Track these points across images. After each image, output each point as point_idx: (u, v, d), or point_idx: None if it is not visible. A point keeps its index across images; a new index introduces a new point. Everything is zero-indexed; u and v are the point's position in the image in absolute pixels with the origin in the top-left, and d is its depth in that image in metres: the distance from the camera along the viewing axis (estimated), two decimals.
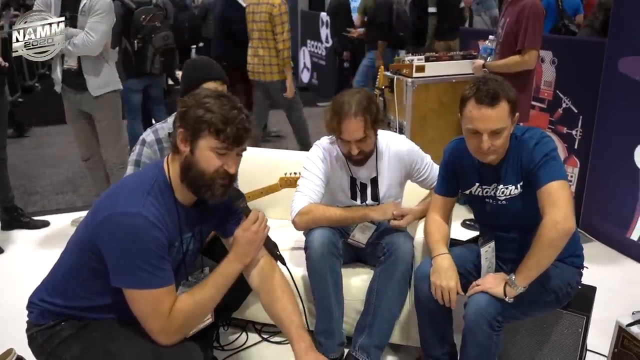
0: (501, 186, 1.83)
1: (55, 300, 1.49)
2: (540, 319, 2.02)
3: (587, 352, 2.10)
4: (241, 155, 1.47)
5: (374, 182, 2.19)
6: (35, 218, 3.60)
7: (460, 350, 1.83)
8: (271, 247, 1.63)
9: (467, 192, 1.95)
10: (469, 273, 1.93)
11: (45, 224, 3.57)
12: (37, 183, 4.45)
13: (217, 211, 1.61)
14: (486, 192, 1.88)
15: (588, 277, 1.98)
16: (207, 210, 1.57)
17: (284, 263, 1.69)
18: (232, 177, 1.46)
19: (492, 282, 1.74)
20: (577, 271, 1.90)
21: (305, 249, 2.07)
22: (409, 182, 2.29)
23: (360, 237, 2.18)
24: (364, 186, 2.20)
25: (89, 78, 3.12)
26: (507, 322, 1.77)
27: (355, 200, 2.21)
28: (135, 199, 1.37)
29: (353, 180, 2.20)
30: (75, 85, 3.16)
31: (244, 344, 2.35)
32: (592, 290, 2.11)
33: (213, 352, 2.24)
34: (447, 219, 2.04)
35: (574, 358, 2.02)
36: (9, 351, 2.00)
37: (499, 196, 1.84)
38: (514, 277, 1.69)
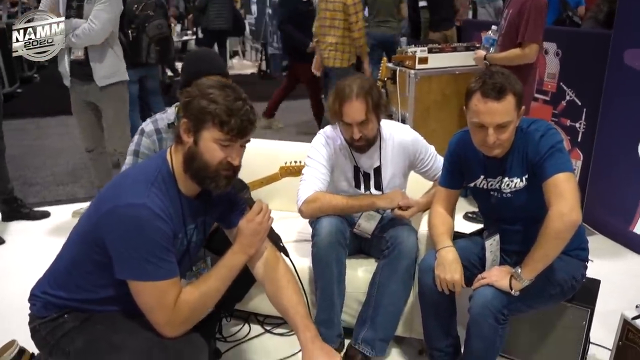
0: (506, 179, 1.81)
1: (58, 293, 1.47)
2: (544, 312, 2.02)
3: (591, 345, 2.10)
4: (245, 146, 1.46)
5: (378, 171, 2.18)
6: (36, 209, 3.59)
7: (464, 342, 1.83)
8: (275, 239, 1.62)
9: (472, 184, 1.94)
10: (473, 266, 1.92)
11: (46, 214, 3.56)
12: (37, 174, 4.44)
13: (220, 202, 1.60)
14: (491, 185, 1.87)
15: (591, 270, 1.97)
16: (210, 201, 1.56)
17: (287, 255, 1.68)
18: (236, 169, 1.44)
19: (497, 275, 1.73)
20: (582, 264, 1.89)
21: (313, 236, 2.06)
22: (412, 173, 2.28)
23: (366, 226, 2.17)
24: (367, 175, 2.19)
25: (96, 67, 3.11)
26: (512, 315, 1.76)
27: (359, 189, 2.20)
28: (139, 190, 1.36)
29: (357, 169, 2.19)
30: (82, 76, 3.14)
31: (247, 335, 2.35)
32: (596, 283, 2.10)
33: (216, 343, 2.23)
34: (452, 212, 2.03)
35: (577, 351, 2.02)
36: (12, 343, 1.99)
37: (504, 189, 1.83)
38: (519, 270, 1.68)
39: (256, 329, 2.40)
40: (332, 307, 2.07)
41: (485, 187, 1.90)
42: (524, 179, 1.79)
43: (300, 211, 2.08)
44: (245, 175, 2.45)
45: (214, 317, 2.24)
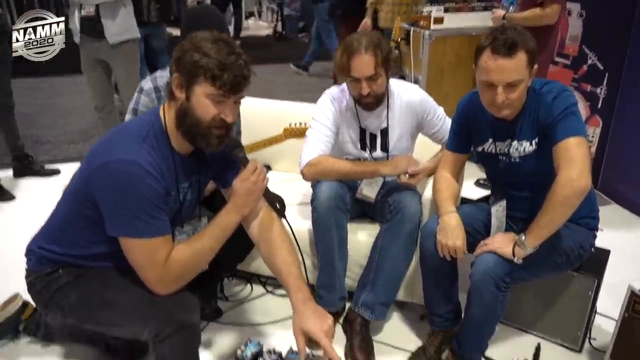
0: (515, 142, 1.74)
1: (52, 248, 1.47)
2: (549, 281, 1.97)
3: (597, 315, 2.06)
4: (239, 103, 1.40)
5: (384, 133, 2.11)
6: (47, 167, 3.61)
7: (465, 309, 1.80)
8: (271, 199, 1.58)
9: (480, 149, 1.87)
10: (477, 232, 1.87)
11: (56, 172, 3.58)
12: (49, 132, 4.45)
13: (215, 161, 1.56)
14: (500, 149, 1.80)
15: (603, 240, 1.90)
16: (205, 159, 1.53)
17: (284, 216, 1.65)
18: (229, 126, 1.40)
19: (500, 242, 1.68)
20: (591, 233, 1.82)
21: (312, 201, 2.03)
22: (420, 135, 2.22)
23: (368, 191, 2.13)
24: (373, 137, 2.13)
25: (107, 24, 3.07)
26: (515, 283, 1.71)
27: (365, 150, 2.14)
28: (130, 147, 1.33)
29: (362, 131, 2.12)
30: (93, 33, 3.11)
31: (249, 295, 2.36)
32: (605, 253, 2.04)
33: (217, 302, 2.25)
34: (458, 177, 1.97)
35: (582, 321, 1.98)
36: (15, 296, 2.02)
37: (513, 153, 1.76)
38: (523, 237, 1.63)
39: (258, 289, 2.40)
40: (334, 271, 2.05)
41: (493, 151, 1.83)
42: (533, 142, 1.71)
43: (302, 174, 2.04)
44: (249, 135, 2.42)
45: (215, 277, 2.26)
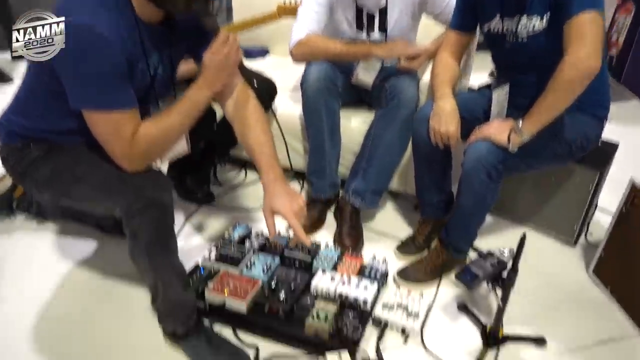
0: (524, 18, 1.56)
1: (20, 120, 1.42)
2: (549, 172, 1.88)
3: (598, 211, 1.99)
4: None
5: (383, 12, 1.93)
6: None
7: (455, 197, 1.73)
8: (248, 75, 1.46)
9: (486, 27, 1.70)
10: (475, 119, 1.75)
11: None
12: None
13: (188, 33, 1.44)
14: (507, 27, 1.63)
15: (615, 133, 1.77)
16: (177, 31, 1.40)
17: (269, 105, 1.55)
18: None
19: (496, 128, 1.56)
20: (598, 124, 1.69)
21: (301, 83, 1.92)
22: (423, 19, 2.03)
23: (365, 76, 1.99)
24: (371, 17, 1.95)
25: None
26: (509, 173, 1.62)
27: (361, 30, 1.98)
28: (85, 12, 1.22)
29: (359, 10, 1.94)
30: None
31: (242, 181, 2.34)
32: (613, 147, 1.93)
33: (210, 187, 2.23)
34: (460, 60, 1.82)
35: (579, 214, 1.92)
36: (5, 175, 2.03)
37: (521, 32, 1.59)
38: (520, 123, 1.51)
39: (252, 175, 2.37)
40: (324, 156, 1.99)
41: (500, 30, 1.65)
42: (544, 18, 1.53)
43: (291, 54, 1.91)
44: (239, 12, 2.26)
45: (208, 162, 2.23)
